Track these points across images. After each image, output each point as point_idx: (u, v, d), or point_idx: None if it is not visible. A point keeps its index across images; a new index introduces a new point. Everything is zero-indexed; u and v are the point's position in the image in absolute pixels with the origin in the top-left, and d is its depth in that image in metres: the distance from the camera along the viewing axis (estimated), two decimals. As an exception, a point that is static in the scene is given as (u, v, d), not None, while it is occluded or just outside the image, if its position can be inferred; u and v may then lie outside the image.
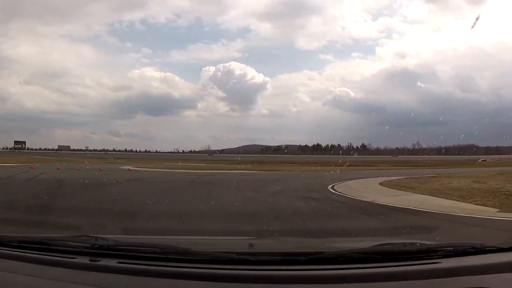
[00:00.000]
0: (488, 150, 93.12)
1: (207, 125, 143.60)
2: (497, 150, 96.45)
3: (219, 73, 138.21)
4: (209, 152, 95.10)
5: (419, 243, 2.02)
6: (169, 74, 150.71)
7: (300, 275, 1.69)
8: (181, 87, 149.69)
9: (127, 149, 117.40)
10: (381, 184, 18.63)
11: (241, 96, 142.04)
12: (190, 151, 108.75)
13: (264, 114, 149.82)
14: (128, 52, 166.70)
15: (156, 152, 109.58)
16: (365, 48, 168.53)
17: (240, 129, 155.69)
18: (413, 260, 1.78)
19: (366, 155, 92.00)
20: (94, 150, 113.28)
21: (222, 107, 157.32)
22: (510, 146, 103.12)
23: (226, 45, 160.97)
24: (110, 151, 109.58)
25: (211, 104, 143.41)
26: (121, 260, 1.82)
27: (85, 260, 1.83)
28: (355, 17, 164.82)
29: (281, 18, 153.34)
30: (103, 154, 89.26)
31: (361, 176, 24.63)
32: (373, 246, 2.02)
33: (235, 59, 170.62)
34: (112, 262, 1.80)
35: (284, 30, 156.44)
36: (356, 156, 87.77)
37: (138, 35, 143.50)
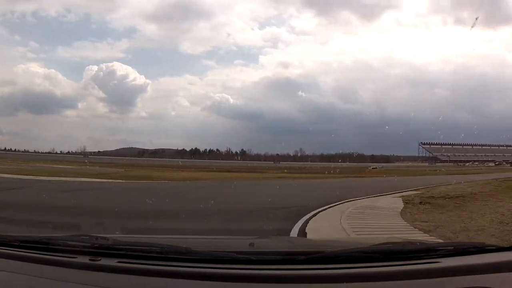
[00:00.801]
0: (374, 158, 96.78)
1: (87, 126, 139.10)
2: (385, 158, 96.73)
3: (102, 73, 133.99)
4: (84, 153, 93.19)
5: (419, 242, 2.06)
6: (53, 71, 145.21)
7: (301, 274, 1.66)
8: (64, 85, 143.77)
9: (7, 148, 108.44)
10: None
11: (121, 97, 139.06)
12: (68, 152, 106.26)
13: (143, 117, 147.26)
14: (16, 45, 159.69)
15: (35, 152, 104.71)
16: (249, 56, 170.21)
17: (118, 131, 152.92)
18: (413, 260, 1.75)
19: (246, 160, 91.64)
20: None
21: (102, 108, 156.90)
22: (393, 155, 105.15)
23: (111, 45, 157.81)
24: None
25: (91, 105, 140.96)
26: (121, 260, 1.80)
27: (85, 259, 1.80)
28: (242, 24, 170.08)
29: (168, 20, 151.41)
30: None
31: (297, 190, 19.93)
32: (373, 245, 1.99)
33: (119, 60, 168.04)
34: (112, 262, 1.78)
35: (170, 33, 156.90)
36: (238, 161, 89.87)
37: (27, 28, 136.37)
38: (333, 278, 1.62)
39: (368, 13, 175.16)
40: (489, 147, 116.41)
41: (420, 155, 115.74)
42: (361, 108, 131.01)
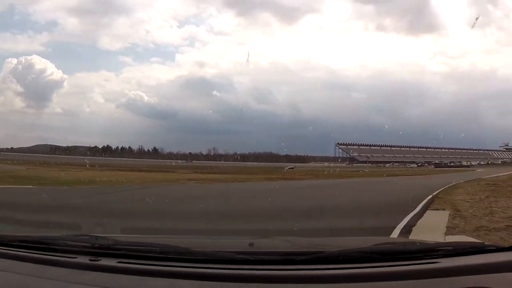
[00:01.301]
0: (289, 158, 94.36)
1: (3, 121, 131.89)
2: (300, 159, 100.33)
3: (20, 66, 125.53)
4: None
5: (419, 242, 2.06)
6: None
7: (300, 274, 1.66)
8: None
9: None
10: None
11: (39, 92, 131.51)
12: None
13: (58, 112, 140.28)
14: None
15: None
16: (166, 53, 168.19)
17: (34, 127, 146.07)
18: (413, 260, 1.75)
19: (158, 159, 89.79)
20: None
21: (19, 103, 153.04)
22: (307, 155, 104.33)
23: (32, 37, 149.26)
24: None
25: (9, 99, 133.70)
26: (121, 260, 1.80)
27: (85, 259, 1.81)
28: (162, 22, 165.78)
29: (90, 15, 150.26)
30: None
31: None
32: (373, 245, 1.99)
33: (38, 53, 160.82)
34: (112, 262, 1.79)
35: (90, 27, 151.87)
36: (149, 159, 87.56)
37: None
38: (333, 278, 1.62)
39: (289, 16, 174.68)
40: (408, 149, 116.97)
41: (337, 155, 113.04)
42: (276, 109, 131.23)
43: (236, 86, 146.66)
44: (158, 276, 1.67)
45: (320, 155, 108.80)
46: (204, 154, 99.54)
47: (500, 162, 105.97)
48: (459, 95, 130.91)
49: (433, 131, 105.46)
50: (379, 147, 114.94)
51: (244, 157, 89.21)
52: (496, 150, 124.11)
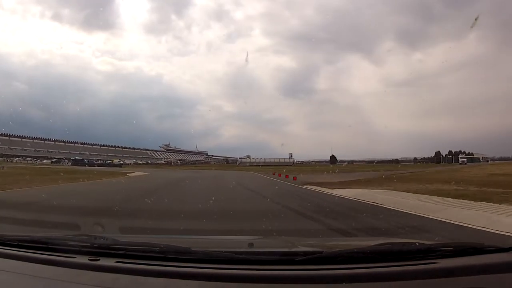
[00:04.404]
0: None
1: None
2: None
3: None
4: None
5: (418, 243, 2.00)
6: None
7: (300, 274, 1.66)
8: None
9: None
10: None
11: None
12: None
13: None
14: None
15: None
16: None
17: None
18: (412, 260, 1.75)
19: None
20: None
21: None
22: None
23: None
24: None
25: None
26: (120, 260, 1.79)
27: (84, 259, 1.80)
28: None
29: None
30: None
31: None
32: (372, 246, 1.98)
33: None
34: (111, 262, 1.78)
35: None
36: None
37: None
38: (332, 278, 1.62)
39: None
40: (53, 143, 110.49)
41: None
42: None
43: None
44: (157, 276, 1.65)
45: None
46: None
47: (164, 162, 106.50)
48: (120, 96, 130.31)
49: (88, 127, 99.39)
50: (6, 137, 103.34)
51: None
52: (156, 150, 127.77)
